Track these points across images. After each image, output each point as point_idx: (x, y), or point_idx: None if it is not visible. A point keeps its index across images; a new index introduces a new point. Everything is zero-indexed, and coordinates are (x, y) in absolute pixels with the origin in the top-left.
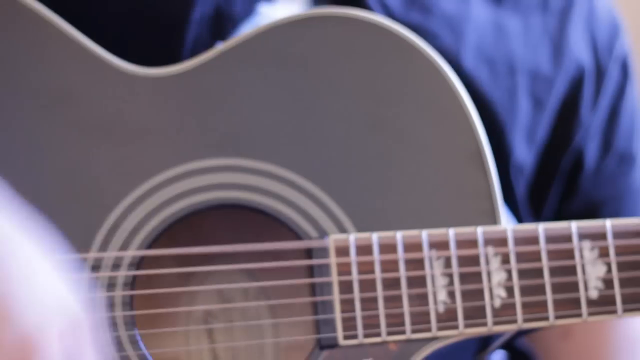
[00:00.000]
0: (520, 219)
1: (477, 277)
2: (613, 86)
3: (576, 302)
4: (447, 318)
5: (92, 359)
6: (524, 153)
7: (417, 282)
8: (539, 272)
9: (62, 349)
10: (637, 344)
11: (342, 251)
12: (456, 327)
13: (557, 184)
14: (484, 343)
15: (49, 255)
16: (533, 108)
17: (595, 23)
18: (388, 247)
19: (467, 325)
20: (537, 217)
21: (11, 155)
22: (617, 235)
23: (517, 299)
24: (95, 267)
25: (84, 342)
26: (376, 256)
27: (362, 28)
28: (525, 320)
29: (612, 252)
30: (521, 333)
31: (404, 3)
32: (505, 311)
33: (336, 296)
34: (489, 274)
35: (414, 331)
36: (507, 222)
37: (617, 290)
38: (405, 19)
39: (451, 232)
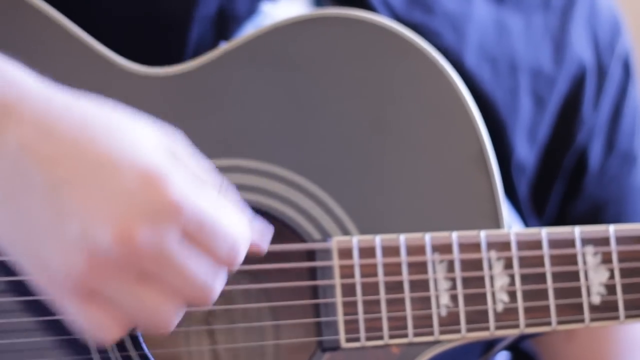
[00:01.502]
0: (523, 218)
1: (479, 281)
2: (615, 85)
3: (578, 308)
4: (450, 322)
5: (206, 174)
6: (526, 152)
7: (420, 285)
8: (541, 277)
9: (182, 172)
10: (638, 347)
11: (345, 254)
12: (458, 331)
13: (559, 183)
14: (488, 346)
15: (116, 108)
16: (535, 107)
17: (597, 21)
18: (391, 250)
19: (469, 330)
20: (540, 216)
21: None
22: (620, 241)
23: (520, 303)
24: None
25: (192, 162)
26: (379, 259)
27: (364, 29)
28: (528, 325)
29: (614, 258)
30: (525, 337)
31: (406, 2)
32: (507, 316)
33: (339, 299)
34: (491, 278)
35: (416, 335)
36: (510, 223)
37: (619, 296)
38: (407, 18)
39: (454, 236)
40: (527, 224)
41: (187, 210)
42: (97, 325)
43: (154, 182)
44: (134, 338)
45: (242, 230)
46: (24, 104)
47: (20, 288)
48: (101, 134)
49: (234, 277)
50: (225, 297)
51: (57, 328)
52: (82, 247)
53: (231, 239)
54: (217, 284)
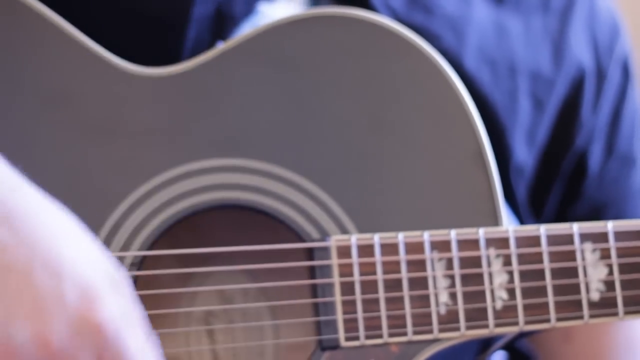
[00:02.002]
0: (521, 220)
1: (478, 278)
2: (614, 88)
3: (577, 304)
4: (449, 320)
5: (139, 312)
6: (525, 154)
7: (419, 283)
8: (540, 274)
9: (118, 301)
10: (637, 347)
11: (344, 252)
12: (457, 329)
13: (558, 185)
14: (485, 344)
15: (75, 220)
16: (533, 109)
17: (596, 23)
18: (390, 248)
19: (468, 327)
20: (538, 218)
21: (10, 155)
22: (619, 237)
23: (519, 300)
24: None
25: (130, 296)
26: (378, 257)
27: (363, 28)
28: (527, 322)
29: (613, 254)
30: (523, 335)
31: (406, 3)
32: (506, 313)
33: (338, 297)
34: (490, 275)
35: (415, 333)
36: (508, 223)
37: (618, 293)
38: (407, 20)
39: (453, 233)
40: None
41: (110, 338)
42: None
43: (89, 299)
44: None
45: None
46: None
47: None
48: (58, 237)
49: (233, 277)
50: (224, 296)
51: None
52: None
53: None
54: None
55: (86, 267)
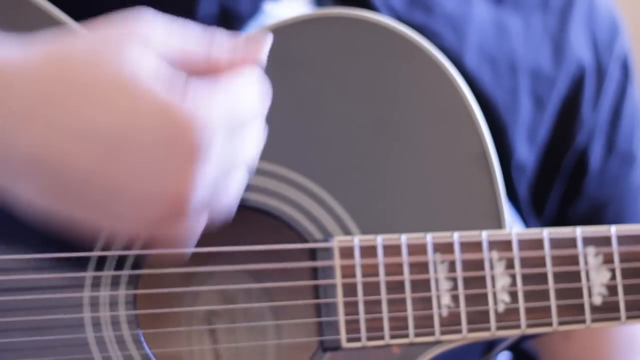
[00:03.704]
0: (523, 219)
1: (481, 281)
2: (614, 86)
3: (580, 308)
4: (451, 322)
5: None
6: (526, 152)
7: (421, 285)
8: (543, 278)
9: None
10: (637, 346)
11: (347, 253)
12: (459, 332)
13: (559, 183)
14: (489, 346)
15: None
16: (534, 107)
17: (596, 21)
18: (392, 250)
19: (470, 330)
20: (539, 216)
21: None
22: (622, 241)
23: (521, 304)
24: (99, 265)
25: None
26: (380, 259)
27: (366, 29)
28: (529, 326)
29: (616, 258)
30: (526, 337)
31: (406, 3)
32: (508, 316)
33: (340, 298)
34: (493, 278)
35: (417, 335)
36: (511, 224)
37: (620, 297)
38: (408, 19)
39: (456, 236)
40: (527, 224)
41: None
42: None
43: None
44: (135, 337)
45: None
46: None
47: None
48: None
49: (236, 277)
50: (226, 296)
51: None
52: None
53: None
54: None
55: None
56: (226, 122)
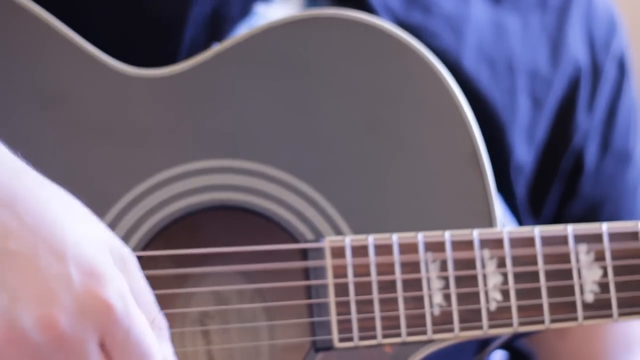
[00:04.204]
0: (519, 220)
1: (472, 280)
2: (610, 85)
3: (572, 306)
4: (443, 321)
5: (146, 292)
6: (524, 153)
7: (413, 284)
8: (534, 276)
9: (124, 281)
10: (632, 345)
11: (338, 253)
12: (452, 330)
13: (557, 185)
14: (482, 345)
15: (79, 203)
16: (532, 108)
17: (593, 20)
18: (384, 249)
19: (462, 329)
20: (536, 218)
21: None
22: (613, 238)
23: (513, 302)
24: None
25: (138, 273)
26: (372, 258)
27: (358, 29)
28: (521, 324)
29: (608, 255)
30: (520, 335)
31: (404, 3)
32: (500, 314)
33: (332, 298)
34: (484, 277)
35: (409, 334)
36: (504, 223)
37: (612, 294)
38: (406, 20)
39: (447, 235)
40: (522, 225)
41: (117, 316)
42: None
43: (94, 278)
44: None
45: None
46: None
47: None
48: (61, 220)
49: (228, 278)
50: (219, 297)
51: None
52: (3, 318)
53: None
54: None
55: (90, 247)
56: None
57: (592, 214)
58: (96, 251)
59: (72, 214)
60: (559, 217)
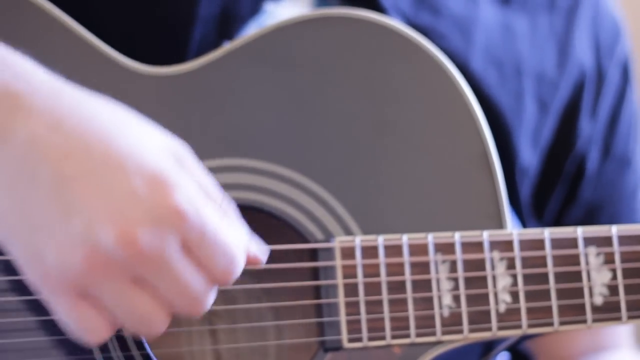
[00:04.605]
0: (523, 222)
1: (482, 281)
2: (613, 90)
3: (581, 308)
4: (452, 322)
5: (212, 188)
6: (529, 156)
7: (423, 285)
8: (544, 278)
9: (189, 181)
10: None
11: (348, 253)
12: (461, 332)
13: (560, 188)
14: (488, 347)
15: (125, 110)
16: (538, 111)
17: (600, 24)
18: (394, 250)
19: (471, 330)
20: (539, 220)
21: None
22: (623, 241)
23: (522, 304)
24: None
25: (199, 173)
26: (382, 259)
27: (368, 29)
28: (530, 326)
29: (617, 258)
30: (526, 338)
31: (414, 4)
32: (510, 316)
33: (341, 299)
34: (494, 278)
35: (418, 335)
36: (512, 226)
37: (622, 297)
38: (415, 21)
39: (457, 236)
40: (526, 227)
41: (191, 220)
42: (85, 325)
43: (161, 186)
44: (136, 338)
45: (241, 249)
46: (34, 96)
47: (21, 287)
48: (111, 132)
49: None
50: (227, 297)
51: (57, 327)
52: (83, 244)
53: (230, 256)
54: (209, 298)
55: (148, 154)
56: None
57: (591, 218)
58: (154, 157)
59: (121, 123)
60: (559, 221)
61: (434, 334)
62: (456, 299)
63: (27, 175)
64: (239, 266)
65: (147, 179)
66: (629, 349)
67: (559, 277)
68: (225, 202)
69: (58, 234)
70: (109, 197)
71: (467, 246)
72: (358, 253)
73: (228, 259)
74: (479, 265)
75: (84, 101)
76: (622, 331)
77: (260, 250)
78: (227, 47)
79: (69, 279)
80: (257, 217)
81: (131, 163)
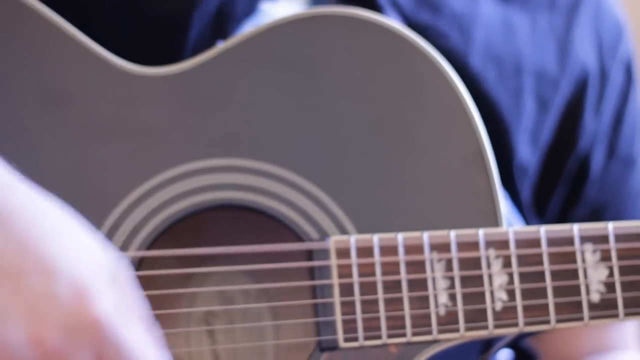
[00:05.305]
0: (525, 220)
1: (478, 279)
2: (617, 90)
3: (578, 306)
4: (448, 321)
5: (139, 307)
6: (528, 154)
7: (418, 284)
8: (540, 275)
9: (115, 296)
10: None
11: (343, 253)
12: (457, 330)
13: (561, 187)
14: (487, 345)
15: (73, 216)
16: (538, 109)
17: (601, 23)
18: (389, 249)
19: (468, 329)
20: (541, 219)
21: (10, 155)
22: (619, 238)
23: (519, 302)
24: None
25: (130, 291)
26: (377, 258)
27: (363, 28)
28: (527, 324)
29: (614, 255)
30: (524, 335)
31: (414, 2)
32: (506, 314)
33: (337, 298)
34: (490, 276)
35: (414, 334)
36: (510, 223)
37: (618, 294)
38: (415, 19)
39: (452, 234)
40: (528, 224)
41: (106, 333)
42: None
43: (83, 295)
44: None
45: None
46: None
47: None
48: (52, 237)
49: (234, 278)
50: (224, 297)
51: None
52: None
53: None
54: None
55: (80, 264)
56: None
57: (595, 219)
58: (86, 267)
59: (63, 228)
60: (563, 221)
61: (430, 332)
62: (452, 297)
63: None
64: None
65: (72, 286)
66: (636, 350)
67: (555, 274)
68: (154, 330)
69: None
70: (30, 295)
71: (463, 244)
72: (353, 252)
73: None
74: (475, 263)
75: (33, 201)
76: (628, 332)
77: None
78: (221, 46)
79: None
80: (252, 217)
81: (61, 269)
